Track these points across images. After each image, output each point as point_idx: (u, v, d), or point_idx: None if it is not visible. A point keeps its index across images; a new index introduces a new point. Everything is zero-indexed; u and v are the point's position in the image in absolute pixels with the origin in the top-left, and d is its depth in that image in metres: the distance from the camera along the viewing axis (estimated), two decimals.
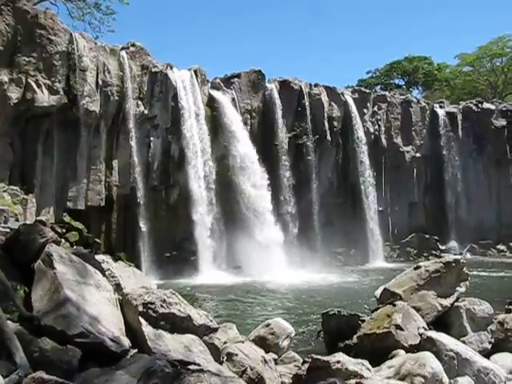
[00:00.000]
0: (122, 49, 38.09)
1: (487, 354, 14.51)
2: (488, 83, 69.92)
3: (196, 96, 39.91)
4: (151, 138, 38.43)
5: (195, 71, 40.83)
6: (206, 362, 9.01)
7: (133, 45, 38.75)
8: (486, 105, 56.61)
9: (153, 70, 38.72)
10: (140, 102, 37.97)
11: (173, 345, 9.00)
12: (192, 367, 8.14)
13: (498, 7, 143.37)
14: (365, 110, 50.37)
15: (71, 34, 34.63)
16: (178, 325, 9.46)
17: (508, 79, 68.99)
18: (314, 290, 30.50)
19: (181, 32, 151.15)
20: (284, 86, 45.90)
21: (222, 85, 42.97)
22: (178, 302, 9.73)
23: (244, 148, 40.82)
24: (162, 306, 9.42)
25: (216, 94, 41.97)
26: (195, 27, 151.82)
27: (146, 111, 38.08)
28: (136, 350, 8.53)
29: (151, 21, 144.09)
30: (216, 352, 9.90)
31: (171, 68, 39.62)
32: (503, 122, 55.76)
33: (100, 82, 35.92)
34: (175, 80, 39.12)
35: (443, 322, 15.49)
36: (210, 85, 42.75)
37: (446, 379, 11.70)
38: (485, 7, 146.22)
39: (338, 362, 10.72)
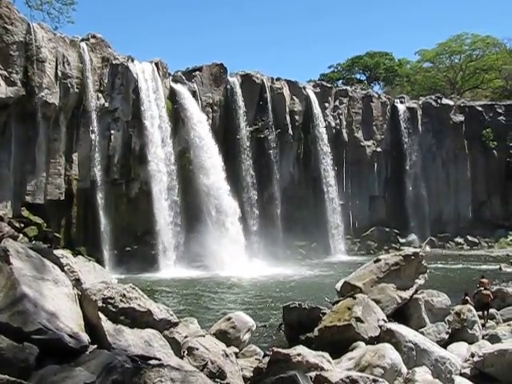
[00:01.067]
0: (82, 40, 37.50)
1: (444, 344, 14.86)
2: (447, 79, 71.09)
3: (157, 89, 39.57)
4: (112, 131, 37.99)
5: (157, 64, 40.46)
6: (166, 356, 8.95)
7: (93, 36, 38.18)
8: (445, 100, 57.60)
9: (114, 62, 38.24)
10: (100, 95, 37.47)
11: (133, 340, 8.92)
12: (152, 362, 8.08)
13: (458, 4, 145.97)
14: (326, 105, 50.70)
15: (29, 24, 33.84)
16: (138, 319, 9.38)
17: (466, 76, 70.33)
18: (275, 283, 30.65)
19: (142, 24, 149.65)
20: (246, 79, 45.86)
21: (183, 78, 42.68)
22: (138, 296, 9.64)
23: (205, 142, 40.67)
24: (121, 300, 9.32)
25: (177, 87, 41.68)
26: (157, 19, 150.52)
27: (106, 104, 37.61)
28: (95, 346, 8.41)
29: (112, 13, 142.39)
30: (177, 346, 9.85)
31: (132, 60, 39.19)
32: (461, 118, 56.87)
33: (59, 74, 35.29)
34: (136, 73, 38.72)
35: (402, 313, 15.78)
36: (171, 78, 42.40)
37: (404, 369, 11.94)
38: (445, 4, 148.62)
39: (299, 354, 10.80)
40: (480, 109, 57.70)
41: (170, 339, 9.73)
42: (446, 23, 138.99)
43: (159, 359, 8.51)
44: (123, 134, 38.51)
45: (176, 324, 10.21)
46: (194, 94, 42.12)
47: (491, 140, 56.50)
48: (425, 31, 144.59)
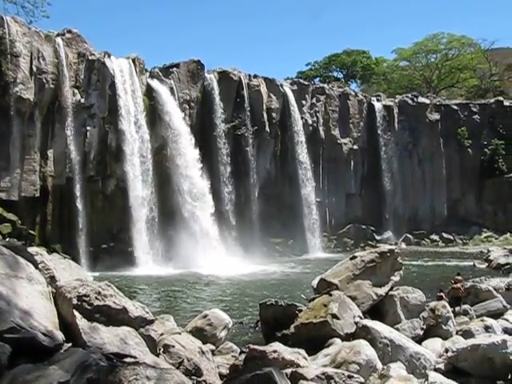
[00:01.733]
0: (58, 35, 37.05)
1: (419, 340, 15.03)
2: (423, 78, 71.73)
3: (134, 85, 39.28)
4: (88, 128, 37.62)
5: (133, 60, 40.15)
6: (142, 354, 8.94)
7: (69, 31, 37.75)
8: (421, 99, 58.11)
9: (90, 57, 37.87)
10: (76, 91, 37.11)
11: (108, 337, 8.88)
12: (128, 360, 8.07)
13: (434, 4, 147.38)
14: (303, 102, 50.80)
15: (2, 18, 33.34)
16: (113, 317, 9.34)
17: (442, 75, 71.09)
18: (252, 280, 30.68)
19: (119, 20, 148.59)
20: (223, 76, 45.73)
21: (160, 74, 42.41)
22: (113, 294, 9.60)
23: (182, 138, 40.52)
24: (97, 298, 9.28)
25: (154, 83, 41.41)
26: (134, 15, 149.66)
27: (82, 100, 37.24)
28: (70, 344, 8.37)
29: (89, 8, 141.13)
30: (152, 344, 9.83)
31: (109, 56, 38.84)
32: (437, 116, 57.45)
33: (34, 69, 34.87)
34: (113, 68, 38.38)
35: (378, 310, 15.91)
36: (148, 74, 42.09)
37: (379, 365, 12.05)
38: (421, 3, 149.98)
39: (275, 351, 10.84)
40: (455, 107, 58.36)
41: (145, 337, 9.71)
42: (422, 22, 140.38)
43: (135, 357, 8.50)
44: (99, 131, 38.17)
45: (152, 321, 10.19)
46: (171, 90, 41.90)
47: (466, 138, 57.20)
48: (401, 30, 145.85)
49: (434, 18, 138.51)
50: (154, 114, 40.41)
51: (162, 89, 41.32)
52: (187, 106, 42.95)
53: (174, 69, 43.16)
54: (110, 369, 7.14)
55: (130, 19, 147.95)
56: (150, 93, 40.83)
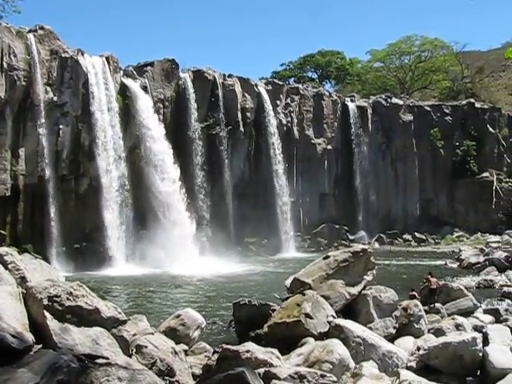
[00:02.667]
0: (30, 31, 36.51)
1: (392, 339, 15.17)
2: (397, 79, 72.41)
3: (108, 84, 38.94)
4: (60, 126, 37.18)
5: (107, 58, 39.79)
6: (114, 355, 8.88)
7: (41, 28, 37.23)
8: (394, 100, 58.65)
9: (63, 55, 37.42)
10: (49, 88, 36.65)
11: (80, 338, 8.80)
12: (100, 361, 8.00)
13: (407, 6, 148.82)
14: (278, 102, 50.86)
15: None
16: (85, 318, 9.26)
17: (415, 76, 71.88)
18: (226, 280, 30.63)
19: (93, 18, 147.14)
20: (198, 75, 45.58)
21: (134, 73, 42.11)
22: (85, 294, 9.52)
23: (156, 138, 40.31)
24: (68, 298, 9.19)
25: (128, 82, 41.11)
26: (108, 14, 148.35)
27: (55, 98, 36.80)
28: (40, 346, 8.25)
29: (62, 5, 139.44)
30: (125, 344, 9.76)
31: (82, 54, 38.44)
32: (410, 117, 58.03)
33: (5, 66, 34.36)
34: (86, 66, 38.02)
35: (351, 309, 16.01)
36: (122, 73, 41.75)
37: (352, 364, 12.13)
38: (395, 5, 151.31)
39: (248, 351, 10.84)
40: (428, 109, 59.03)
41: (118, 337, 9.64)
42: (396, 24, 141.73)
43: (107, 358, 8.43)
44: (72, 129, 37.75)
45: (124, 322, 10.13)
46: (145, 89, 41.63)
47: (438, 139, 57.89)
48: (376, 31, 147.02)
49: (407, 20, 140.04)
50: (127, 112, 40.12)
51: (136, 87, 41.04)
52: (161, 105, 42.71)
53: (149, 67, 42.89)
54: (82, 370, 7.06)
55: (104, 18, 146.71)
56: (123, 91, 40.53)
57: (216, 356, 11.39)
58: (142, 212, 38.99)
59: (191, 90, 44.41)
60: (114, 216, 37.42)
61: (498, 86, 75.21)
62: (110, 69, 39.60)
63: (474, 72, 71.25)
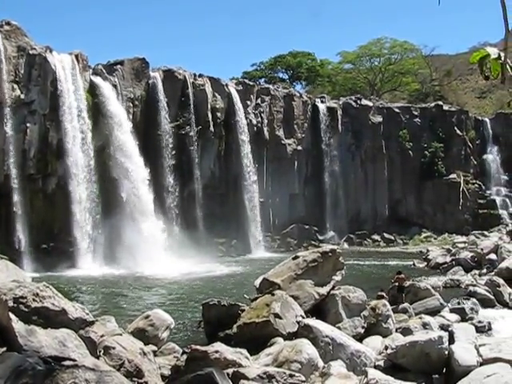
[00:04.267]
0: None
1: (360, 338, 15.30)
2: (367, 81, 73.08)
3: (76, 82, 38.48)
4: (28, 125, 36.60)
5: (76, 56, 39.31)
6: (81, 356, 8.78)
7: (8, 23, 36.55)
8: (364, 101, 59.12)
9: (30, 52, 36.84)
10: (16, 86, 36.04)
11: (46, 340, 8.68)
12: (66, 363, 7.89)
13: (377, 8, 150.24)
14: (248, 102, 50.88)
15: None
16: (52, 319, 9.14)
17: (385, 78, 72.66)
18: (195, 280, 30.57)
19: (62, 16, 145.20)
20: (168, 75, 45.35)
21: (104, 71, 41.68)
22: (52, 295, 9.39)
23: (125, 137, 39.97)
24: (34, 300, 9.06)
25: (98, 80, 40.67)
26: (78, 12, 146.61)
27: (22, 96, 36.21)
28: (5, 349, 8.13)
29: (31, 3, 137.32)
30: (92, 346, 9.66)
31: (51, 51, 37.90)
32: (379, 119, 58.56)
33: None
34: (55, 64, 37.49)
35: (320, 309, 16.12)
36: (91, 71, 41.29)
37: (321, 363, 12.20)
38: (365, 6, 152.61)
39: (217, 351, 10.83)
40: (397, 110, 59.65)
41: (85, 339, 9.55)
42: (366, 25, 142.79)
43: (74, 360, 8.33)
44: (40, 128, 37.20)
45: (92, 323, 10.03)
46: (114, 88, 41.24)
47: (407, 141, 58.56)
48: (346, 33, 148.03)
49: (377, 22, 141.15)
50: (96, 111, 39.71)
51: (105, 86, 40.62)
52: (131, 105, 42.38)
53: (118, 66, 42.50)
54: (47, 373, 6.96)
55: (74, 16, 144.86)
56: (93, 90, 40.10)
57: (185, 357, 11.34)
58: (111, 212, 38.60)
59: (161, 90, 44.14)
60: (82, 216, 37.00)
61: (466, 89, 76.62)
62: (79, 67, 39.14)
63: (443, 75, 72.48)
